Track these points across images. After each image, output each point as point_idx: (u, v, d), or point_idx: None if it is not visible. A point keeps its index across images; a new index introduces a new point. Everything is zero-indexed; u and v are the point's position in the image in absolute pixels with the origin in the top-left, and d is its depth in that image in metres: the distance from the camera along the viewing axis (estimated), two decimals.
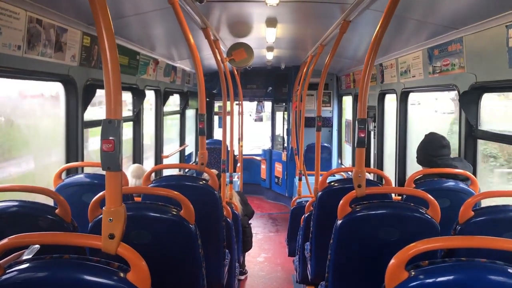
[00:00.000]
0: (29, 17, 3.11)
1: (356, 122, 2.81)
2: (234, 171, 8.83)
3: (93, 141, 5.09)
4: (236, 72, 8.31)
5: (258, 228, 9.48)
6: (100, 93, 4.45)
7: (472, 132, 4.13)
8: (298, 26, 5.73)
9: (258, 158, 12.34)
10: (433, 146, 4.01)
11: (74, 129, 4.19)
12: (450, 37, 4.11)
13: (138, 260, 1.71)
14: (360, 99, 2.82)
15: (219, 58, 5.12)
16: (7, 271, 1.65)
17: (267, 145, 12.42)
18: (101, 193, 2.48)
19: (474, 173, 4.05)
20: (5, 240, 1.73)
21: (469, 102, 4.02)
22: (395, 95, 5.98)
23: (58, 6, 3.41)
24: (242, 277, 6.71)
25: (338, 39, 4.24)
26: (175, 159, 8.76)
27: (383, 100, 6.84)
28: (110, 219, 1.72)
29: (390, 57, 5.86)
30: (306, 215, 4.69)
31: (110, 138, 1.68)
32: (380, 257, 2.20)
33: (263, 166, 12.11)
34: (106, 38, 1.67)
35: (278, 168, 11.59)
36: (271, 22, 5.05)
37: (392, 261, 1.70)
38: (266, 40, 6.06)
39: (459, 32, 3.93)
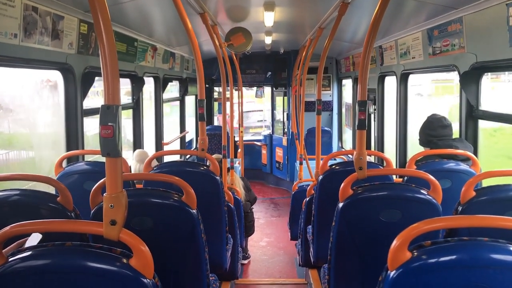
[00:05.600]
0: (24, 4, 3.08)
1: (357, 104, 2.79)
2: (235, 156, 8.83)
3: None
4: (235, 58, 8.25)
5: (260, 213, 9.51)
6: None
7: (472, 113, 4.11)
8: (297, 9, 5.67)
9: (258, 143, 12.33)
10: (434, 127, 4.01)
11: (74, 117, 4.18)
12: (449, 17, 4.07)
13: (140, 245, 1.71)
14: (360, 81, 2.79)
15: (217, 43, 5.07)
16: (10, 260, 1.65)
17: (267, 130, 12.40)
18: (102, 180, 2.47)
19: (475, 153, 4.05)
20: (6, 228, 1.72)
21: (469, 82, 4.00)
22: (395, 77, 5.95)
23: None
24: (245, 262, 6.75)
25: (337, 22, 4.19)
26: (175, 146, 8.75)
27: (383, 83, 6.81)
28: (111, 205, 1.71)
29: (389, 39, 5.81)
30: (307, 198, 4.69)
31: (109, 124, 1.67)
32: (382, 238, 2.19)
33: (263, 151, 12.11)
34: (102, 23, 1.65)
35: (279, 153, 11.58)
36: (269, 5, 4.99)
37: (394, 242, 1.70)
38: (265, 24, 6.01)
39: (458, 12, 3.88)
